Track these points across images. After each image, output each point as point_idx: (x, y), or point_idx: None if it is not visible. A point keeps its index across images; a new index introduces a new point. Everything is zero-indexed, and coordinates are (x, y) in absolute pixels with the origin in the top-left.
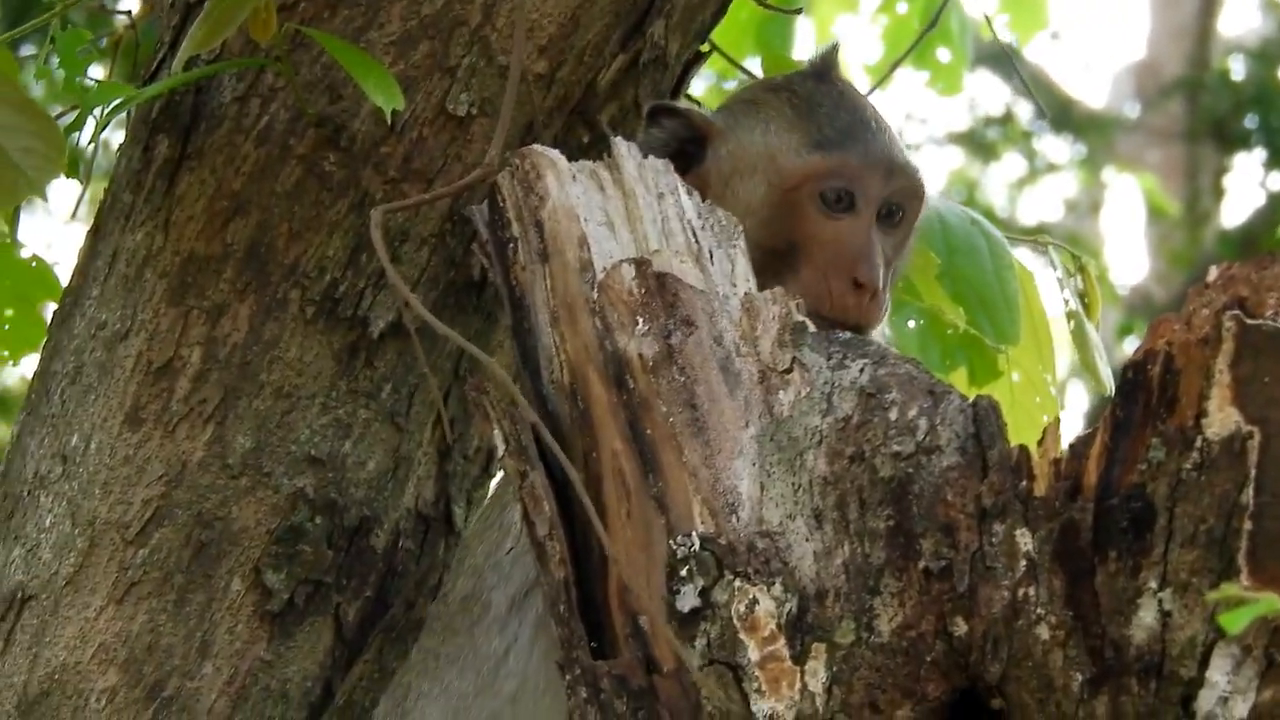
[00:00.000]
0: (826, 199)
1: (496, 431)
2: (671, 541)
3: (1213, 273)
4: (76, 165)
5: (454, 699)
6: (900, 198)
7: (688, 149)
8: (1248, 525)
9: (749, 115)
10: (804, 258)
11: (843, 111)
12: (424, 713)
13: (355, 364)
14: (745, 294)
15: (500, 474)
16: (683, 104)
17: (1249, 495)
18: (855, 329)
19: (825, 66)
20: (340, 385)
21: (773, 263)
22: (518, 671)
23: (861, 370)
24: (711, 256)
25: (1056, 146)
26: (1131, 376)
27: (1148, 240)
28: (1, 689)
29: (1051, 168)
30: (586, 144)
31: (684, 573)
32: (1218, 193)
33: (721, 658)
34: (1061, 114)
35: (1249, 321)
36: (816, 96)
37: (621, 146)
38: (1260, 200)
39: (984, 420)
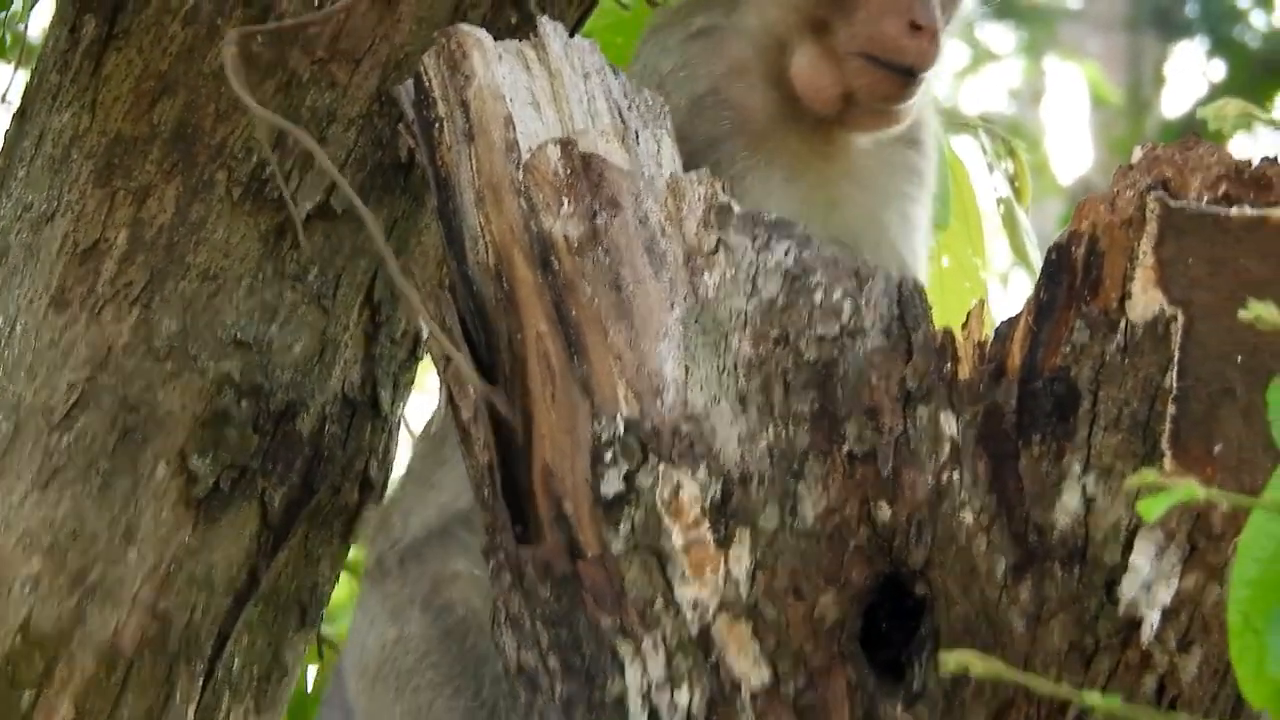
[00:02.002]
0: None
1: (422, 314)
2: (596, 425)
3: (1137, 154)
4: (3, 46)
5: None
6: None
7: None
8: (1171, 409)
9: None
10: (858, 3)
11: None
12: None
13: (282, 246)
14: (671, 175)
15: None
16: None
17: (1172, 378)
18: (910, 72)
19: None
20: (267, 267)
21: (824, 11)
22: None
23: (786, 252)
24: (638, 137)
25: (999, 35)
26: (1055, 258)
27: (1091, 129)
28: None
29: (993, 57)
30: (515, 25)
31: (608, 457)
32: (1159, 81)
33: (645, 543)
34: (1004, 2)
35: (1172, 203)
36: None
37: (548, 26)
38: (1202, 89)
39: (908, 303)
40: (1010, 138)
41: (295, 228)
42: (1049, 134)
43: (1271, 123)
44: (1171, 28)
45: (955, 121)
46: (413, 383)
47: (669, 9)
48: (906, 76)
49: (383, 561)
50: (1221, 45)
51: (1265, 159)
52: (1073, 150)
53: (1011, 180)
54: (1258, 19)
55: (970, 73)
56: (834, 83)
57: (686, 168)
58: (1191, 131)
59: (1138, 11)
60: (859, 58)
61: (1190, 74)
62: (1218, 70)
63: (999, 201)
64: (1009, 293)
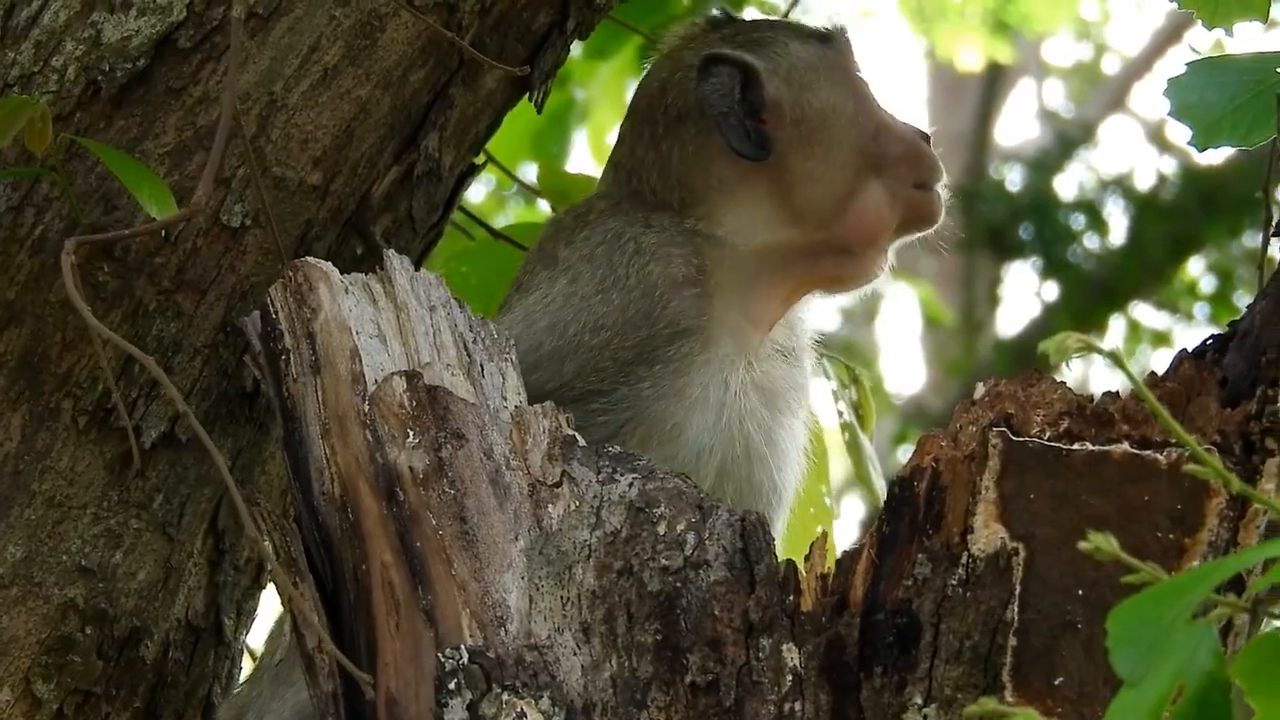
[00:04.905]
0: None
1: (266, 543)
2: (440, 654)
3: (979, 389)
4: None
5: None
6: None
7: (749, 96)
8: (1012, 641)
9: (775, 39)
10: (885, 144)
11: None
12: None
13: (127, 474)
14: (516, 407)
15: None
16: (727, 51)
17: (1014, 612)
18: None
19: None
20: (112, 495)
21: (871, 153)
22: None
23: (630, 484)
24: (483, 370)
25: None
26: (898, 493)
27: (924, 349)
28: None
29: None
30: (360, 255)
31: (452, 685)
32: (993, 301)
33: None
34: None
35: (1015, 438)
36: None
37: (394, 259)
38: (1035, 309)
39: (751, 535)
40: (851, 363)
41: (134, 453)
42: (883, 353)
43: (1113, 356)
44: (1005, 249)
45: None
46: (256, 609)
47: (617, 195)
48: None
49: None
50: (1055, 266)
51: (1106, 394)
52: (905, 369)
53: (855, 407)
54: (1091, 241)
55: None
56: (893, 217)
57: (643, 351)
58: (1035, 368)
59: (971, 232)
60: (914, 189)
61: (1024, 295)
62: (1051, 291)
63: (843, 427)
64: (844, 510)
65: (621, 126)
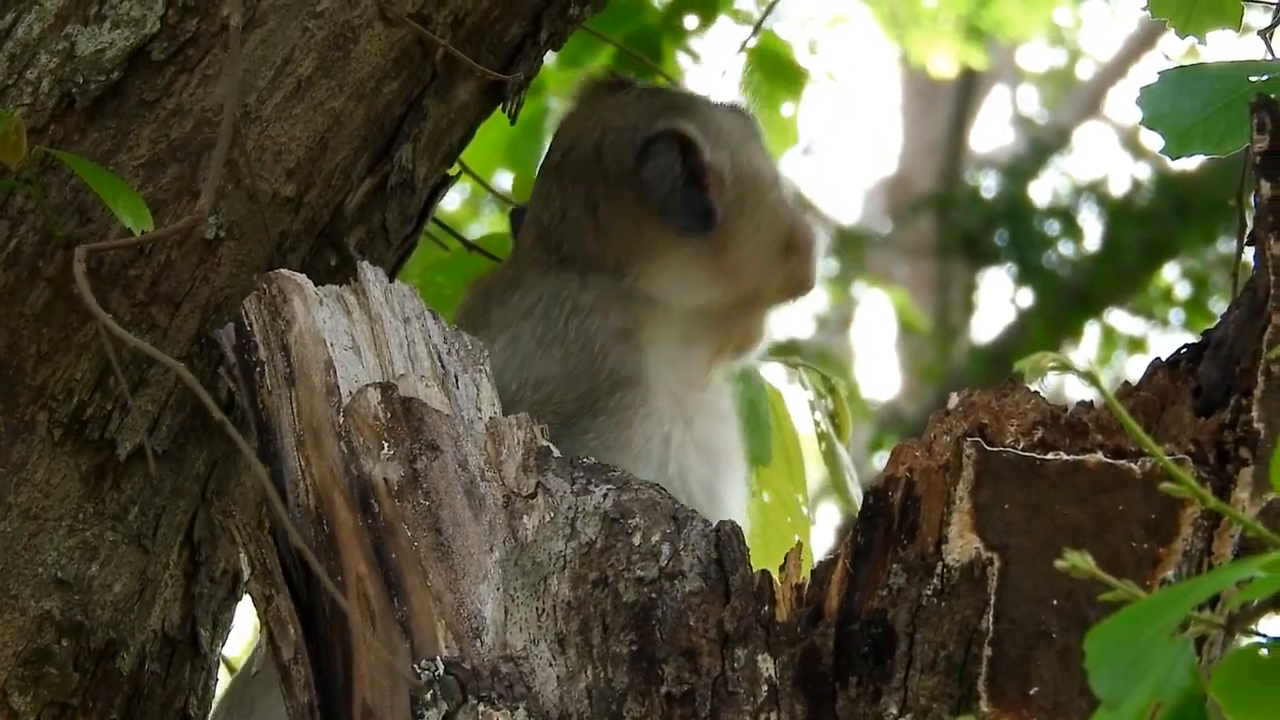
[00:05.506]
0: None
1: (242, 555)
2: (416, 666)
3: (953, 399)
4: None
5: None
6: None
7: (689, 162)
8: (988, 652)
9: (694, 105)
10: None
11: None
12: None
13: (102, 486)
14: (490, 419)
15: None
16: (663, 125)
17: (989, 622)
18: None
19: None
20: (87, 507)
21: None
22: None
23: (605, 495)
24: (457, 381)
25: None
26: (872, 503)
27: (898, 355)
28: None
29: None
30: (334, 267)
31: (428, 697)
32: (968, 308)
33: None
34: None
35: (989, 449)
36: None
37: (368, 271)
38: (1010, 316)
39: (726, 545)
40: (827, 371)
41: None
42: (858, 360)
43: (1087, 376)
44: (980, 255)
45: (771, 352)
46: (232, 621)
47: (546, 261)
48: None
49: None
50: (1030, 273)
51: (1080, 404)
52: (880, 375)
53: (832, 416)
54: (1066, 247)
55: None
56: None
57: (584, 403)
58: (1009, 377)
59: (946, 238)
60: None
61: (999, 301)
62: (1026, 297)
63: (820, 437)
64: (820, 517)
65: (544, 186)
